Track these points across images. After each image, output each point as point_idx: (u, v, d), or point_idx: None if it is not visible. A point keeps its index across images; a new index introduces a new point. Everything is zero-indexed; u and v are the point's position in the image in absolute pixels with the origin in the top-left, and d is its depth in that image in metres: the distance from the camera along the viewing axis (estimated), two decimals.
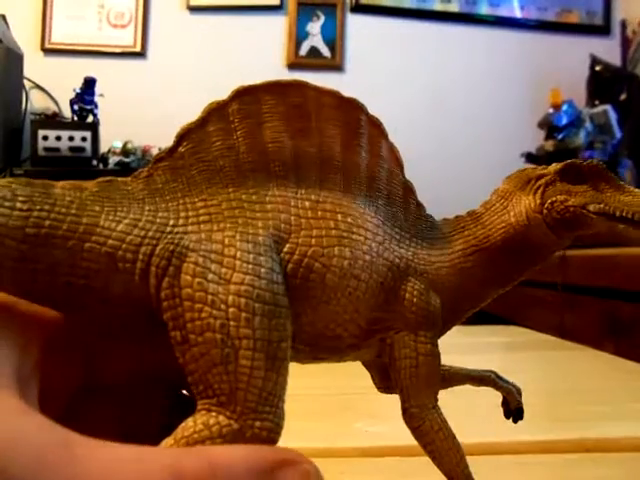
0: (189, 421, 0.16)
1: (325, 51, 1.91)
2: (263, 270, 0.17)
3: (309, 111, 0.20)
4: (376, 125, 0.21)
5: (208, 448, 0.15)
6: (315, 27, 1.91)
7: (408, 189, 0.23)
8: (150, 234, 0.17)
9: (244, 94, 0.19)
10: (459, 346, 0.56)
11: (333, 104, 0.20)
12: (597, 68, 1.76)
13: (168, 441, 0.16)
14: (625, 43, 1.94)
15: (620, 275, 0.97)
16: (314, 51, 1.91)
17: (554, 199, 0.22)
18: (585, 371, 0.53)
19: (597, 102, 1.70)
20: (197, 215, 0.18)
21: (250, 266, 0.17)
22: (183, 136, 0.19)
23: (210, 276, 0.17)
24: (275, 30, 1.90)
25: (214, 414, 0.16)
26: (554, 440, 0.23)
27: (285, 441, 0.22)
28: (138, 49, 1.86)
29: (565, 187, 0.23)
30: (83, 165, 1.60)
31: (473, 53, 1.94)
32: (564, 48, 1.94)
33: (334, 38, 1.91)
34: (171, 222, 0.18)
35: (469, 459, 0.21)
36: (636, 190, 0.22)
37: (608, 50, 1.89)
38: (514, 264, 0.23)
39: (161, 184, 0.18)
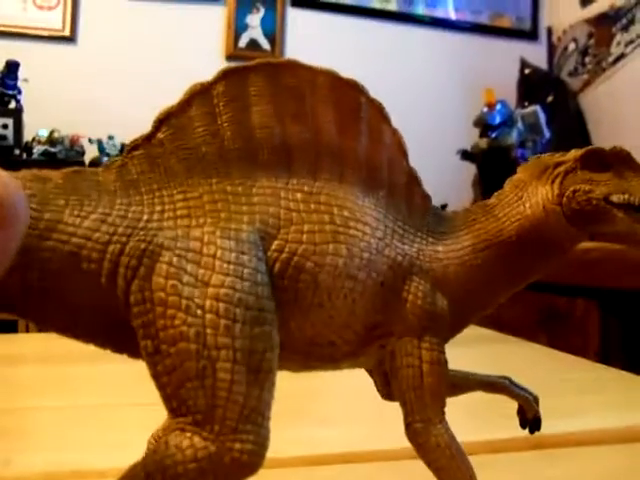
0: (161, 443, 0.14)
1: (265, 44, 1.89)
2: (246, 271, 0.15)
3: (302, 93, 0.18)
4: (377, 108, 0.19)
5: None
6: (255, 19, 1.88)
7: (413, 178, 0.20)
8: (120, 230, 0.15)
9: (230, 75, 0.17)
10: None
11: (329, 85, 0.18)
12: (526, 71, 1.84)
13: (138, 460, 0.14)
14: (551, 49, 2.03)
15: (555, 269, 1.01)
16: (253, 43, 1.88)
17: (576, 188, 0.20)
18: (522, 364, 0.54)
19: (526, 103, 1.77)
20: (174, 209, 0.16)
21: (231, 266, 0.15)
22: (162, 121, 0.17)
23: (186, 278, 0.15)
24: (213, 21, 1.85)
25: (189, 435, 0.14)
26: (503, 439, 0.22)
27: None
28: (67, 33, 1.76)
29: (586, 175, 0.20)
30: (4, 155, 1.50)
31: (410, 52, 1.97)
32: (496, 51, 2.01)
33: (274, 31, 1.89)
34: (145, 217, 0.16)
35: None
36: None
37: (536, 54, 1.98)
38: (529, 261, 0.21)
39: (136, 174, 0.16)
